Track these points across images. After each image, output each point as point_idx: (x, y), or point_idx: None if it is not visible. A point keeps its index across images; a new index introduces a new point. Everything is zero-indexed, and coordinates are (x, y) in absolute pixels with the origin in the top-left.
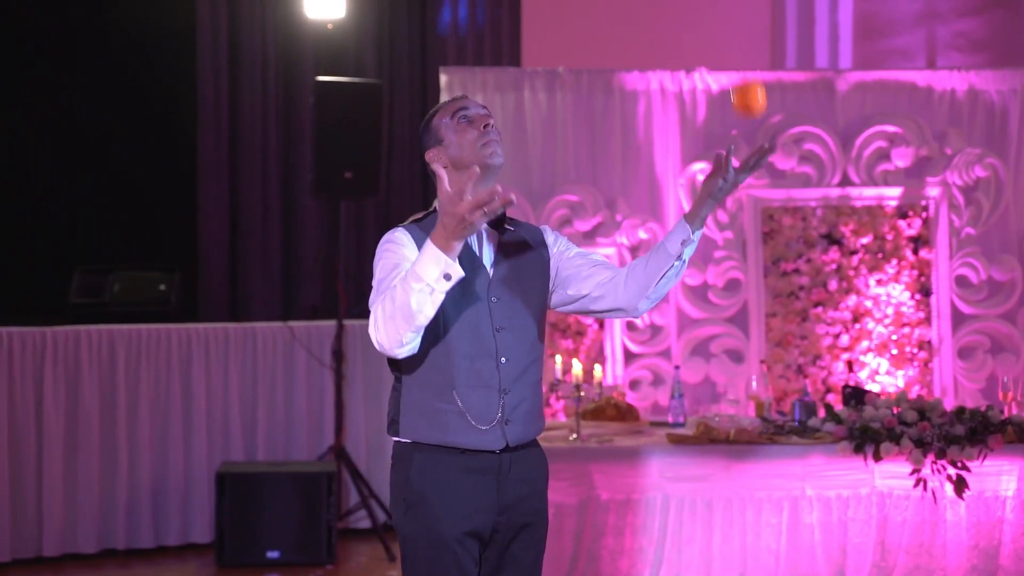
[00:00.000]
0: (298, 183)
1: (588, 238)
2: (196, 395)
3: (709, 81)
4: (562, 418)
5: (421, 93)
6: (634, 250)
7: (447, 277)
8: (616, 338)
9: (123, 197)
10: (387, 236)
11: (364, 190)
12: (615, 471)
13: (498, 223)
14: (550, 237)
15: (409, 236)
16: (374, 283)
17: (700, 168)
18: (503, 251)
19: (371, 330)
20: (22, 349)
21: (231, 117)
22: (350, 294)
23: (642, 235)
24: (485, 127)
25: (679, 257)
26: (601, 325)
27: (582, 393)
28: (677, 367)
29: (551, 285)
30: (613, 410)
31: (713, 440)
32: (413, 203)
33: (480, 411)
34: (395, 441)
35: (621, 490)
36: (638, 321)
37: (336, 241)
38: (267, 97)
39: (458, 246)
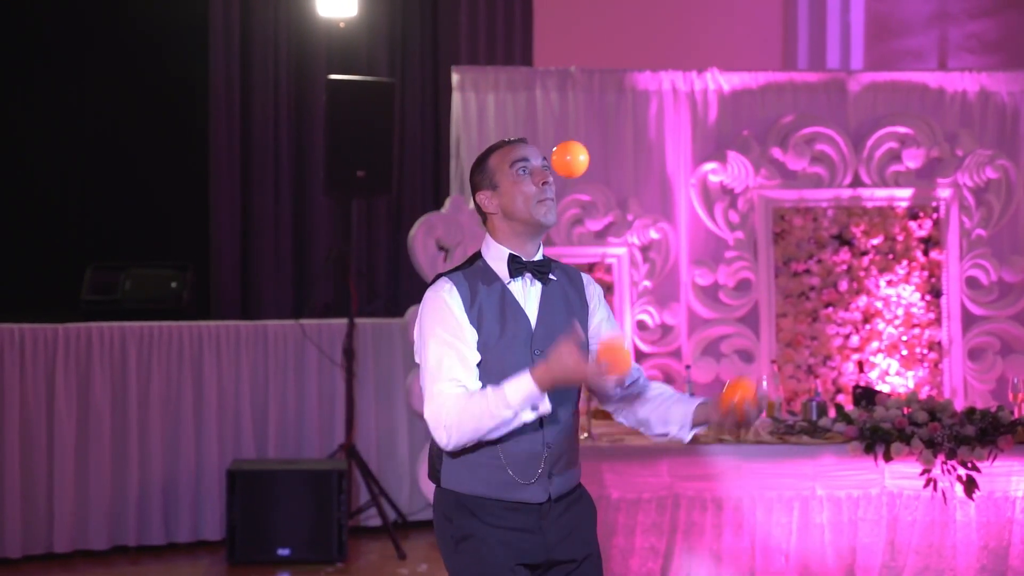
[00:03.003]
0: (310, 181)
1: (599, 238)
2: (207, 393)
3: (721, 81)
4: None
5: (433, 92)
6: (644, 250)
7: (535, 409)
8: (627, 338)
9: (135, 194)
10: (434, 292)
11: (376, 188)
12: (626, 470)
13: (542, 274)
14: (591, 294)
15: (457, 294)
16: (426, 362)
17: (711, 168)
18: (547, 302)
19: (434, 425)
20: (34, 346)
21: (243, 115)
22: (361, 292)
23: (653, 235)
24: (544, 184)
25: (668, 435)
26: None
27: None
28: (688, 367)
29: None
30: None
31: (723, 440)
32: (425, 201)
33: (523, 467)
34: (437, 488)
35: (632, 489)
36: (648, 320)
37: (348, 239)
38: (279, 95)
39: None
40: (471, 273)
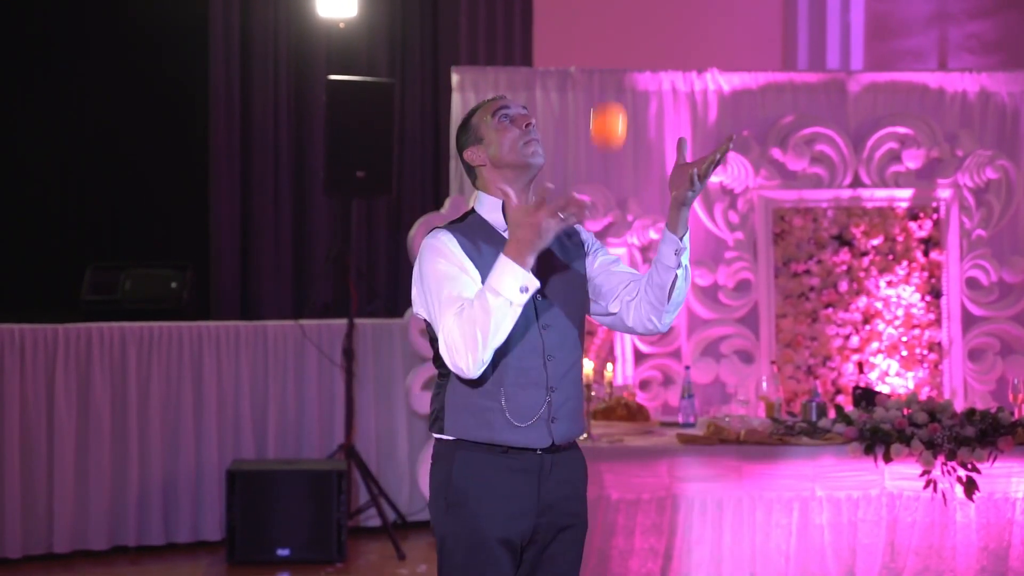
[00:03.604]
0: (310, 181)
1: (599, 238)
2: (207, 393)
3: (721, 82)
4: None
5: (433, 92)
6: (644, 250)
7: (524, 289)
8: (627, 338)
9: (135, 194)
10: (432, 240)
11: (376, 189)
12: (625, 471)
13: None
14: (586, 237)
15: (455, 240)
16: (431, 296)
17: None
18: (544, 248)
19: (447, 355)
20: (34, 347)
21: (243, 115)
22: (361, 293)
23: (653, 235)
24: (527, 126)
25: (679, 266)
26: None
27: (593, 393)
28: (687, 367)
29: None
30: (623, 410)
31: (723, 441)
32: (424, 202)
33: (525, 409)
34: (437, 439)
35: (631, 490)
36: None
37: (348, 239)
38: (279, 96)
39: (532, 259)
40: (466, 225)
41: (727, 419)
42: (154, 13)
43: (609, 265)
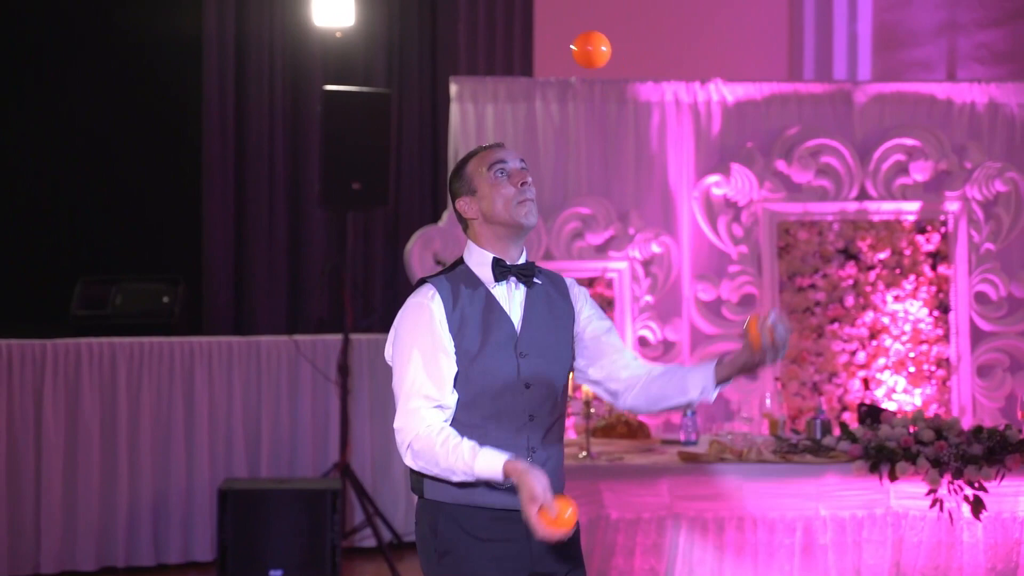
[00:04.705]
0: (305, 193)
1: (600, 251)
2: (199, 410)
3: (725, 92)
4: (572, 435)
5: (431, 103)
6: (646, 264)
7: (500, 484)
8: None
9: (127, 207)
10: (417, 299)
11: (372, 201)
12: (625, 490)
13: (527, 277)
14: (576, 295)
15: (439, 300)
16: (404, 368)
17: (714, 180)
18: (531, 305)
19: (402, 445)
20: (21, 362)
21: (237, 126)
22: (357, 307)
23: (655, 249)
24: (522, 184)
25: (688, 402)
26: None
27: (592, 410)
28: None
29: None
30: (624, 427)
31: (725, 459)
32: (422, 214)
33: None
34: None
35: (631, 509)
36: (650, 336)
37: (343, 253)
38: (274, 106)
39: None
40: (454, 277)
41: (730, 436)
42: (147, 22)
43: (601, 335)
